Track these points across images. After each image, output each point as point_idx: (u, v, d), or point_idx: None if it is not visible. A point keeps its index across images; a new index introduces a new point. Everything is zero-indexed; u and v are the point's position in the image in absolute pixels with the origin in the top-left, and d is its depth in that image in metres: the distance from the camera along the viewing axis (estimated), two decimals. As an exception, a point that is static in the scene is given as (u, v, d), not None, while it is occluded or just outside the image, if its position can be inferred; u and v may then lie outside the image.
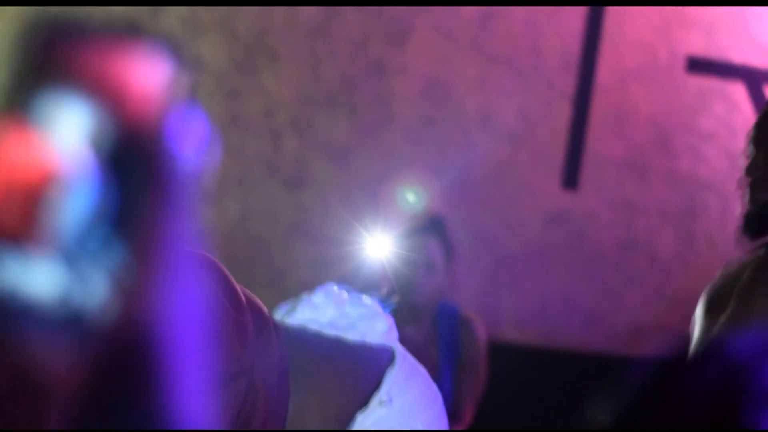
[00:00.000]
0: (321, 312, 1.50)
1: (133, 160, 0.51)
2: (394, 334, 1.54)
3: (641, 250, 4.38)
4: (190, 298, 0.53)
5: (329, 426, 1.42)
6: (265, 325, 1.38)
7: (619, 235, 4.37)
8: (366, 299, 1.55)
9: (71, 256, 0.49)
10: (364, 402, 1.43)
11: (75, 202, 0.50)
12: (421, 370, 1.52)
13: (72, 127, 0.50)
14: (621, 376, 0.78)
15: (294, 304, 1.53)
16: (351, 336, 1.49)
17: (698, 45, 4.39)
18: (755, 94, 4.38)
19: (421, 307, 3.37)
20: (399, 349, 1.51)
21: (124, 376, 0.50)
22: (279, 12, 4.16)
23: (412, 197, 4.08)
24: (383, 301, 1.55)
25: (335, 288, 1.54)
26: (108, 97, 0.50)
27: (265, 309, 1.41)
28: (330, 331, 1.49)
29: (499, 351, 3.84)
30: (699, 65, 4.39)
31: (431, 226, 3.39)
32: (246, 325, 1.33)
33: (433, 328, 3.43)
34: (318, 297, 1.52)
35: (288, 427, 1.39)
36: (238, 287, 1.35)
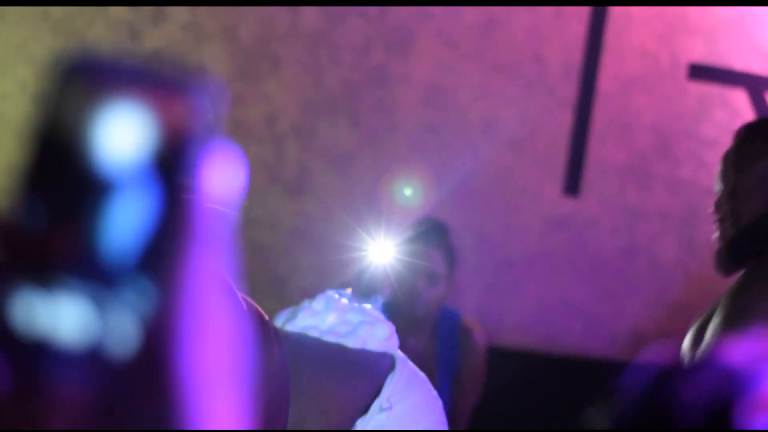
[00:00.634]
0: (322, 319, 1.50)
1: (167, 193, 0.50)
2: (395, 340, 1.54)
3: (643, 256, 4.38)
4: (218, 337, 0.52)
5: (330, 432, 1.42)
6: (266, 332, 1.39)
7: (621, 241, 4.37)
8: (367, 306, 1.56)
9: (100, 292, 0.48)
10: (364, 408, 1.44)
11: (113, 230, 0.49)
12: (422, 376, 1.52)
13: (113, 153, 0.50)
14: (617, 382, 0.79)
15: (295, 311, 1.53)
16: (352, 343, 1.49)
17: (700, 52, 4.39)
18: (757, 101, 4.39)
19: (421, 317, 3.33)
20: (399, 356, 1.51)
21: (144, 414, 0.50)
22: (281, 19, 4.17)
23: (409, 192, 4.08)
24: (384, 309, 1.56)
25: (336, 295, 1.55)
26: (149, 128, 0.50)
27: (266, 316, 1.42)
28: (331, 338, 1.49)
29: (499, 356, 3.84)
30: (700, 72, 4.39)
31: (434, 234, 3.34)
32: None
33: (433, 335, 3.40)
34: (319, 304, 1.53)
35: (289, 433, 1.40)
36: (239, 294, 1.36)
